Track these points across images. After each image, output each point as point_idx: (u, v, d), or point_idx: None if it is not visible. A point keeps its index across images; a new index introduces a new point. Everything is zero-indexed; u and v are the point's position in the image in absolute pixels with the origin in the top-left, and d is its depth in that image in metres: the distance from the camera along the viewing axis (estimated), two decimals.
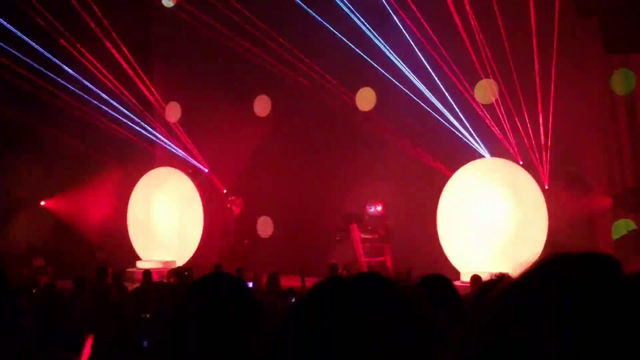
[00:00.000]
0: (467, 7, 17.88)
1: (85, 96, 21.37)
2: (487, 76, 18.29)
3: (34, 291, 13.60)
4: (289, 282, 15.88)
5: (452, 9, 18.15)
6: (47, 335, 6.96)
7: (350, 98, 20.53)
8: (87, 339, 6.19)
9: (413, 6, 18.35)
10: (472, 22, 17.94)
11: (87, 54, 21.12)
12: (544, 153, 17.94)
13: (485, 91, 18.46)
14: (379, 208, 18.85)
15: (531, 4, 17.40)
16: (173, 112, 23.29)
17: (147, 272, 15.34)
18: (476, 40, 18.04)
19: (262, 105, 22.23)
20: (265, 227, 21.94)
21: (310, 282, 15.01)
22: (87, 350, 6.16)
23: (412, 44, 18.76)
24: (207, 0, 21.22)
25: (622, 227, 17.20)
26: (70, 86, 21.18)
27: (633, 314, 1.03)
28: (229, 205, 21.65)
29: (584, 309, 1.04)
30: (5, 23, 20.23)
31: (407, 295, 1.51)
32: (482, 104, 18.53)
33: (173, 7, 22.37)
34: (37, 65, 20.62)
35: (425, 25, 18.40)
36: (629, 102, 17.91)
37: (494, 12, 17.77)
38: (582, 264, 1.12)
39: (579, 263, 1.13)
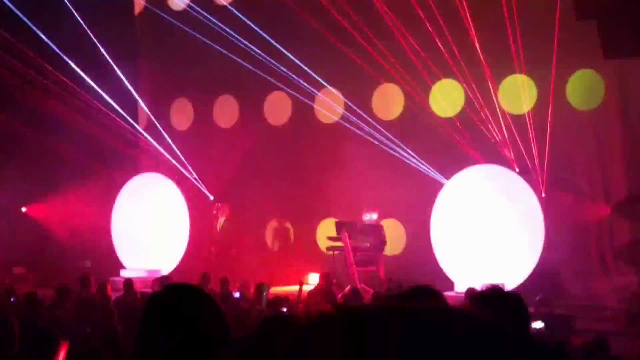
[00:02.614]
0: (462, 10, 17.54)
1: (69, 100, 20.93)
2: (480, 79, 17.96)
3: (12, 300, 13.26)
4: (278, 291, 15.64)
5: (438, 12, 17.86)
6: (27, 344, 6.55)
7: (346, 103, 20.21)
8: (61, 347, 5.83)
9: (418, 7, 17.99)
10: (468, 25, 17.62)
11: (71, 57, 20.65)
12: (540, 160, 17.58)
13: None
14: (375, 216, 18.45)
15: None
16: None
17: (128, 282, 15.07)
18: (471, 42, 17.72)
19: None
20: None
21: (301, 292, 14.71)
22: (61, 358, 5.81)
23: (406, 47, 18.44)
24: (196, 5, 21.02)
25: None
26: (53, 89, 20.73)
27: None
28: (215, 212, 21.23)
29: None
30: None
31: None
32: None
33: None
34: (19, 68, 20.19)
35: (426, 28, 18.05)
36: (624, 108, 17.62)
37: (491, 15, 17.52)
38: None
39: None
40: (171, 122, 23.34)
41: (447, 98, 18.78)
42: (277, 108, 21.88)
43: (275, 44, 20.05)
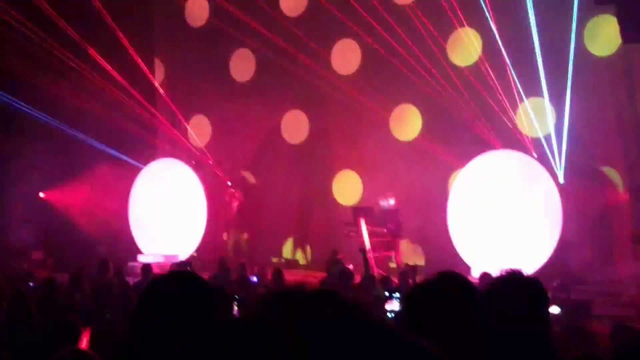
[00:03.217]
0: None
1: (86, 85, 20.96)
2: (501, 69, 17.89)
3: (30, 284, 13.32)
4: (293, 276, 15.70)
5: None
6: (46, 328, 6.60)
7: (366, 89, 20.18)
8: (84, 333, 5.86)
9: None
10: (489, 11, 17.57)
11: (88, 43, 20.67)
12: (558, 145, 17.51)
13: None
14: (392, 202, 18.42)
15: None
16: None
17: (146, 267, 15.08)
18: (491, 29, 17.68)
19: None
20: None
21: (320, 276, 14.74)
22: (84, 345, 5.84)
23: (425, 34, 18.46)
24: None
25: None
26: (71, 75, 20.78)
27: None
28: (227, 199, 21.27)
29: None
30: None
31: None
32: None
33: None
34: (36, 53, 20.24)
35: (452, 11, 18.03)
36: None
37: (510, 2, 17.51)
38: None
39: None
40: (187, 106, 23.36)
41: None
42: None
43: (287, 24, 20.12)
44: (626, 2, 15.96)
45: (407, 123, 20.11)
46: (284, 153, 21.57)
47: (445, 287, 2.69)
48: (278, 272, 14.40)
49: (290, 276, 15.27)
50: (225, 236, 21.47)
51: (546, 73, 17.55)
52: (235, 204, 21.08)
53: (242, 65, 22.81)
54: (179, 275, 2.88)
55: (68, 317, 7.67)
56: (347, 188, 20.56)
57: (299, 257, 21.69)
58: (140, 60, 21.53)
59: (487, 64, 18.10)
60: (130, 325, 2.75)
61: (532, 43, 17.43)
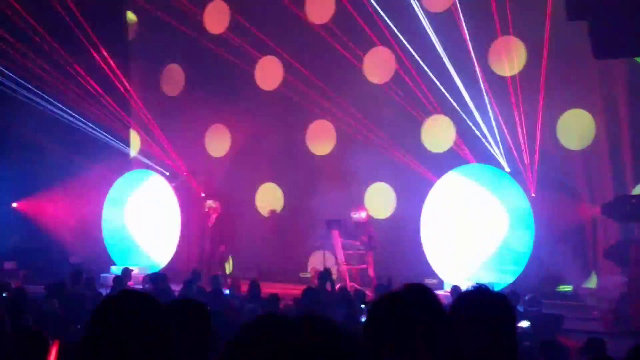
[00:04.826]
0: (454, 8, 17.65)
1: (60, 95, 20.88)
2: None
3: (4, 295, 13.25)
4: (267, 289, 15.62)
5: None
6: (18, 345, 6.55)
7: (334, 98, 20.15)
8: (52, 345, 5.80)
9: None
10: (460, 24, 17.70)
11: (61, 51, 20.59)
12: (531, 160, 17.62)
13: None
14: (363, 214, 18.42)
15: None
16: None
17: (118, 278, 15.05)
18: (464, 41, 17.80)
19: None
20: None
21: (292, 289, 14.71)
22: (52, 358, 5.78)
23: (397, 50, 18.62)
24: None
25: None
26: (45, 86, 20.69)
27: None
28: (206, 210, 21.19)
29: None
30: None
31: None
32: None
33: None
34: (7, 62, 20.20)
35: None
36: (616, 107, 17.58)
37: (483, 15, 17.61)
38: None
39: None
40: (162, 116, 23.20)
41: None
42: (268, 102, 21.85)
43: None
44: (598, 17, 16.12)
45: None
46: (260, 162, 21.50)
47: (410, 300, 2.71)
48: (254, 285, 14.35)
49: (266, 288, 15.21)
50: (200, 248, 21.37)
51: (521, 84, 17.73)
52: (213, 216, 20.98)
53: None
54: (131, 297, 2.83)
55: (37, 328, 7.63)
56: (324, 200, 20.53)
57: (275, 269, 21.61)
58: (114, 66, 21.47)
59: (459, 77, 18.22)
60: (82, 341, 2.72)
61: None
